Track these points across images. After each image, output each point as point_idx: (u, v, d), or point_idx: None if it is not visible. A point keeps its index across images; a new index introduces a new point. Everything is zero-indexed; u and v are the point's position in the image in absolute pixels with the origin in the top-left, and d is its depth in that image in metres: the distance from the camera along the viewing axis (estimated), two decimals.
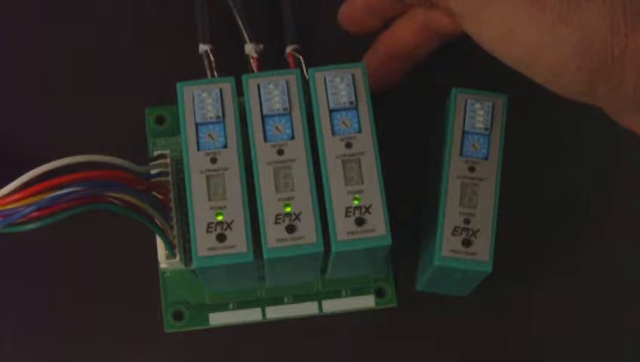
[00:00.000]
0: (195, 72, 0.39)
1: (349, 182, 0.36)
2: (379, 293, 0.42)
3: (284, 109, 0.37)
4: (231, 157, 0.36)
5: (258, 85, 0.37)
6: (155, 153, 0.40)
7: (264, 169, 0.36)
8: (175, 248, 0.39)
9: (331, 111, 0.37)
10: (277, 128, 0.36)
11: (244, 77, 0.37)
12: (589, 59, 0.32)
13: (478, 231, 0.38)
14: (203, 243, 0.35)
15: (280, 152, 0.36)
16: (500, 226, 0.38)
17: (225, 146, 0.36)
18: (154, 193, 0.38)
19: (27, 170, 0.34)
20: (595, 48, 0.32)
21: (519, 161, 0.41)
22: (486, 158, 0.39)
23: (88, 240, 0.42)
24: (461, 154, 0.39)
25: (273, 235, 0.35)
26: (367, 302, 0.42)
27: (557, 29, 0.32)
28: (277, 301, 0.41)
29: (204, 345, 0.41)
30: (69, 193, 0.34)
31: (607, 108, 0.36)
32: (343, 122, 0.37)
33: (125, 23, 0.45)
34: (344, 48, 0.41)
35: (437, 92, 0.41)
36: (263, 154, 0.36)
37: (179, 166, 0.40)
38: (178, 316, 0.41)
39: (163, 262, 0.39)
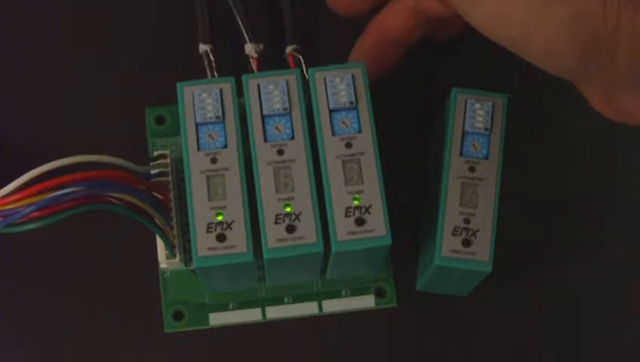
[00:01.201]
0: (195, 72, 0.39)
1: (349, 182, 0.36)
2: (379, 293, 0.42)
3: (284, 109, 0.37)
4: (231, 157, 0.36)
5: (258, 85, 0.37)
6: (155, 153, 0.40)
7: (264, 169, 0.36)
8: (175, 248, 0.39)
9: (331, 111, 0.37)
10: (277, 128, 0.36)
11: (244, 77, 0.37)
12: (581, 35, 0.32)
13: (478, 231, 0.38)
14: (203, 243, 0.35)
15: (280, 152, 0.36)
16: (500, 226, 0.38)
17: (225, 146, 0.36)
18: (154, 193, 0.38)
19: (27, 170, 0.34)
20: (588, 24, 0.32)
21: (519, 161, 0.41)
22: (486, 158, 0.39)
23: (88, 240, 0.42)
24: (461, 154, 0.39)
25: (273, 235, 0.35)
26: (367, 302, 0.42)
27: (549, 5, 0.32)
28: (277, 301, 0.41)
29: (204, 345, 0.41)
30: (69, 193, 0.34)
31: (601, 87, 0.36)
32: (343, 122, 0.37)
33: (125, 23, 0.45)
34: (344, 48, 0.41)
35: (437, 92, 0.41)
36: (263, 154, 0.36)
37: (179, 166, 0.40)
38: (178, 316, 0.41)
39: (163, 262, 0.39)
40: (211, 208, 0.35)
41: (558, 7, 0.32)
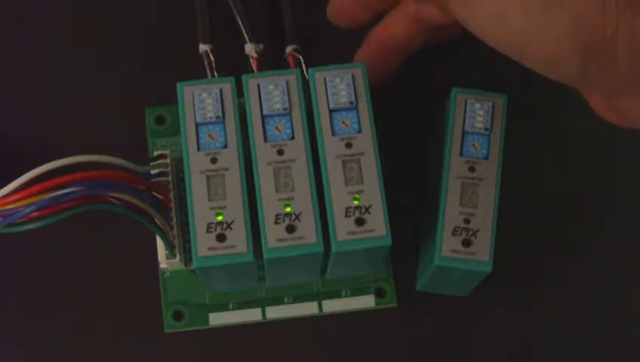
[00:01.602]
0: (195, 72, 0.39)
1: (349, 182, 0.36)
2: (379, 293, 0.42)
3: (284, 109, 0.37)
4: (231, 157, 0.36)
5: (258, 85, 0.37)
6: (155, 153, 0.40)
7: (264, 169, 0.36)
8: (175, 248, 0.39)
9: (331, 111, 0.37)
10: (277, 128, 0.36)
11: (244, 77, 0.37)
12: (580, 40, 0.32)
13: (478, 231, 0.38)
14: (203, 243, 0.35)
15: (280, 152, 0.36)
16: (500, 226, 0.38)
17: (225, 146, 0.36)
18: (154, 193, 0.38)
19: (27, 170, 0.34)
20: (587, 29, 0.32)
21: (519, 161, 0.41)
22: (486, 158, 0.39)
23: (88, 240, 0.42)
24: (461, 154, 0.39)
25: (273, 235, 0.35)
26: (367, 302, 0.42)
27: (548, 10, 0.32)
28: (277, 301, 0.41)
29: (204, 345, 0.41)
30: (69, 193, 0.34)
31: (601, 91, 0.36)
32: (343, 122, 0.37)
33: (125, 24, 0.45)
34: (344, 48, 0.41)
35: (437, 92, 0.41)
36: (263, 154, 0.36)
37: (179, 166, 0.40)
38: (178, 316, 0.41)
39: (163, 262, 0.39)
40: (211, 208, 0.35)
41: (556, 12, 0.32)
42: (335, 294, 0.42)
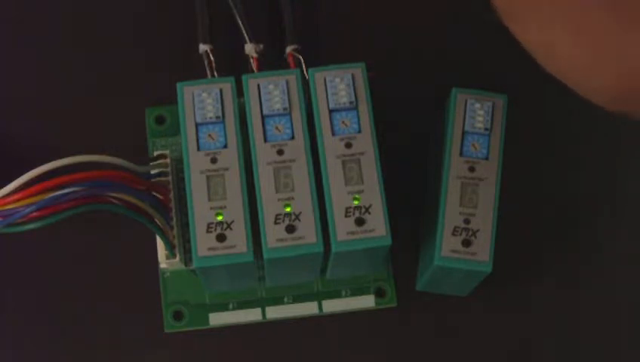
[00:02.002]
0: (195, 72, 0.39)
1: (348, 182, 0.36)
2: (379, 293, 0.42)
3: (284, 109, 0.37)
4: (231, 157, 0.36)
5: (258, 85, 0.37)
6: (155, 153, 0.40)
7: (264, 169, 0.36)
8: (175, 248, 0.39)
9: (331, 111, 0.37)
10: (277, 128, 0.37)
11: (244, 77, 0.37)
12: (630, 92, 0.31)
13: (478, 231, 0.38)
14: (203, 243, 0.35)
15: (280, 152, 0.36)
16: (500, 226, 0.38)
17: (225, 146, 0.36)
18: (154, 193, 0.38)
19: (27, 170, 0.34)
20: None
21: (519, 161, 0.41)
22: (486, 158, 0.39)
23: (88, 240, 0.42)
24: (461, 154, 0.39)
25: (273, 235, 0.35)
26: (367, 302, 0.42)
27: (602, 57, 0.31)
28: (277, 301, 0.41)
29: (204, 345, 0.41)
30: (69, 193, 0.34)
31: None
32: (343, 122, 0.37)
33: (125, 23, 0.45)
34: (344, 48, 0.41)
35: (437, 92, 0.41)
36: (263, 154, 0.36)
37: (179, 166, 0.40)
38: (178, 316, 0.41)
39: (163, 262, 0.39)
40: (211, 208, 0.35)
41: (612, 60, 0.31)
42: (335, 294, 0.42)
